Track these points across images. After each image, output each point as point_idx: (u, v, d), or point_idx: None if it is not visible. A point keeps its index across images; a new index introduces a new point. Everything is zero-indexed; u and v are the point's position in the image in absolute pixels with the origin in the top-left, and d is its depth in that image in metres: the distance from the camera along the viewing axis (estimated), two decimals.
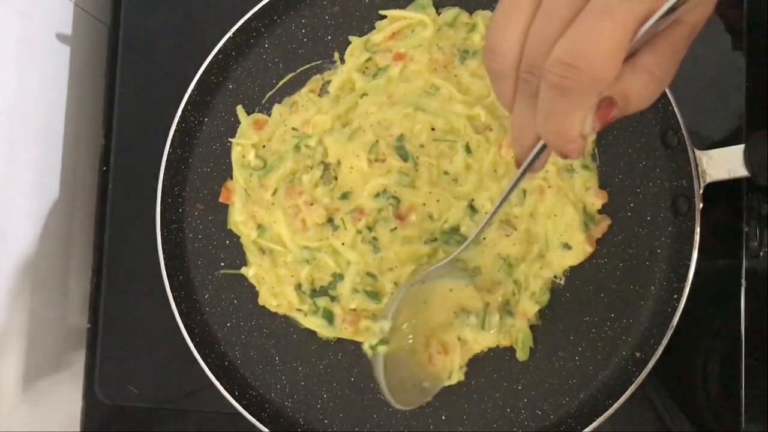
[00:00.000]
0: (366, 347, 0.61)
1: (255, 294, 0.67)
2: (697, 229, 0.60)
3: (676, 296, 0.61)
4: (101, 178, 0.74)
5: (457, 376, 0.63)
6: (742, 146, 0.59)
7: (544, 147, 0.41)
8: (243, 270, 0.67)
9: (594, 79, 0.35)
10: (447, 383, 0.63)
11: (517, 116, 0.41)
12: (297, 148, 0.66)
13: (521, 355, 0.64)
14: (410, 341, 0.62)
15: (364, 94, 0.66)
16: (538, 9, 0.37)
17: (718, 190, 0.61)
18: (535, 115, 0.38)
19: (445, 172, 0.65)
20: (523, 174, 0.44)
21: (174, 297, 0.65)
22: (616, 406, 0.60)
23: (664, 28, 0.37)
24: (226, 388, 0.63)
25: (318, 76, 0.68)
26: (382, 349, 0.60)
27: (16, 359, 0.69)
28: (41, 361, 0.73)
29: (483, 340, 0.63)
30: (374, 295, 0.64)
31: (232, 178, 0.68)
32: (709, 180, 0.61)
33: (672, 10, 0.34)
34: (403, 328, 0.62)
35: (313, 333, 0.66)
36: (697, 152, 0.61)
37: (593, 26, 0.34)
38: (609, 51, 0.34)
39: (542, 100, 0.37)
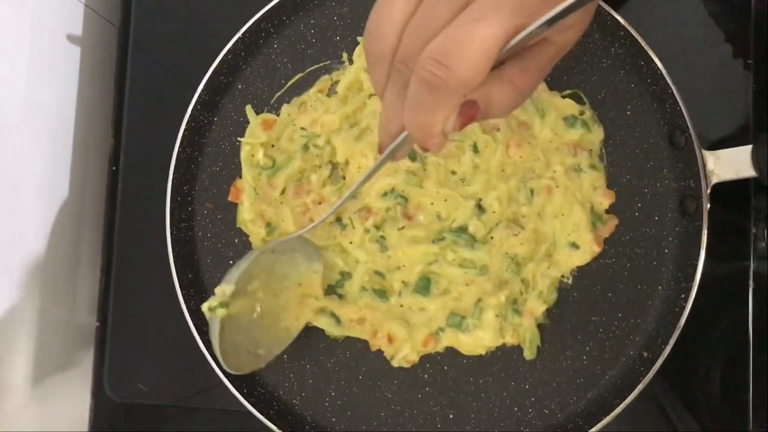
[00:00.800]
0: (204, 308, 0.60)
1: None
2: (705, 230, 0.60)
3: (683, 296, 0.61)
4: (110, 178, 0.75)
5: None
6: (749, 146, 0.59)
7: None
8: None
9: (461, 81, 0.36)
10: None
11: (387, 103, 0.42)
12: (305, 147, 0.66)
13: (528, 354, 0.64)
14: (259, 307, 0.62)
15: (372, 95, 0.67)
16: (420, 2, 0.38)
17: (726, 190, 0.61)
18: (403, 105, 0.40)
19: (453, 172, 0.65)
20: (384, 160, 0.45)
21: (183, 295, 0.65)
22: (623, 405, 0.60)
23: (532, 45, 0.39)
24: (234, 386, 0.64)
25: (326, 76, 0.69)
26: (220, 312, 0.59)
27: (25, 357, 0.70)
28: (50, 360, 0.73)
29: (481, 341, 0.63)
30: (382, 293, 0.64)
31: (241, 177, 0.68)
32: (716, 180, 0.61)
33: (545, 26, 0.36)
34: (254, 294, 0.62)
35: (321, 331, 0.66)
36: (705, 152, 0.61)
37: (467, 31, 0.35)
38: (478, 57, 0.35)
39: (411, 94, 0.38)
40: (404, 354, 0.64)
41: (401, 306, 0.64)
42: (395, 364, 0.65)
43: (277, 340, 0.64)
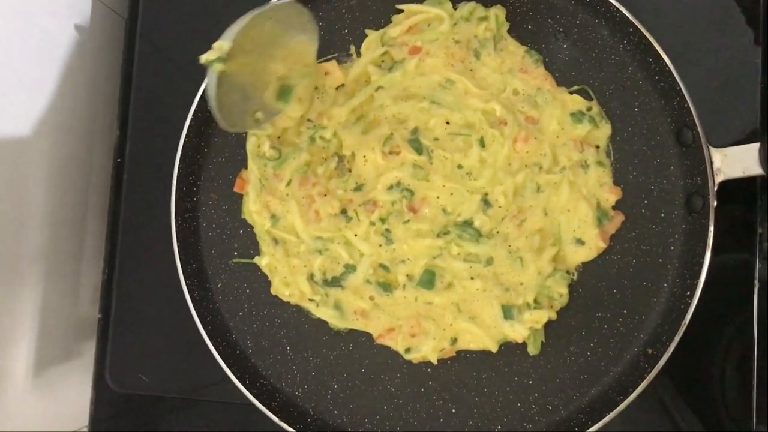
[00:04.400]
0: (202, 60, 0.58)
1: (267, 284, 0.67)
2: (711, 227, 0.60)
3: (688, 293, 0.61)
4: (115, 169, 0.75)
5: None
6: (757, 144, 0.59)
7: None
8: (256, 259, 0.67)
9: None
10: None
11: None
12: (312, 139, 0.66)
13: (532, 349, 0.64)
14: (253, 68, 0.61)
15: (379, 88, 0.67)
16: None
17: (733, 188, 0.61)
18: None
19: (460, 166, 0.65)
20: None
21: (187, 285, 0.65)
22: (627, 401, 0.60)
23: None
24: (237, 377, 0.64)
25: None
26: (217, 67, 0.58)
27: (27, 347, 0.70)
28: (52, 350, 0.73)
29: (518, 333, 0.63)
30: (386, 286, 0.64)
31: (246, 168, 0.68)
32: (723, 178, 0.61)
33: None
34: (250, 54, 0.60)
35: (324, 323, 0.66)
36: (712, 150, 0.61)
37: None
38: None
39: None
40: (423, 353, 0.64)
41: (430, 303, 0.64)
42: (408, 358, 0.65)
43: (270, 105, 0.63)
